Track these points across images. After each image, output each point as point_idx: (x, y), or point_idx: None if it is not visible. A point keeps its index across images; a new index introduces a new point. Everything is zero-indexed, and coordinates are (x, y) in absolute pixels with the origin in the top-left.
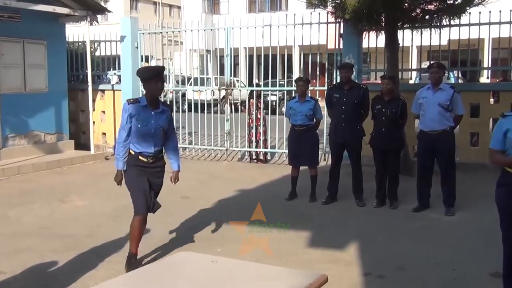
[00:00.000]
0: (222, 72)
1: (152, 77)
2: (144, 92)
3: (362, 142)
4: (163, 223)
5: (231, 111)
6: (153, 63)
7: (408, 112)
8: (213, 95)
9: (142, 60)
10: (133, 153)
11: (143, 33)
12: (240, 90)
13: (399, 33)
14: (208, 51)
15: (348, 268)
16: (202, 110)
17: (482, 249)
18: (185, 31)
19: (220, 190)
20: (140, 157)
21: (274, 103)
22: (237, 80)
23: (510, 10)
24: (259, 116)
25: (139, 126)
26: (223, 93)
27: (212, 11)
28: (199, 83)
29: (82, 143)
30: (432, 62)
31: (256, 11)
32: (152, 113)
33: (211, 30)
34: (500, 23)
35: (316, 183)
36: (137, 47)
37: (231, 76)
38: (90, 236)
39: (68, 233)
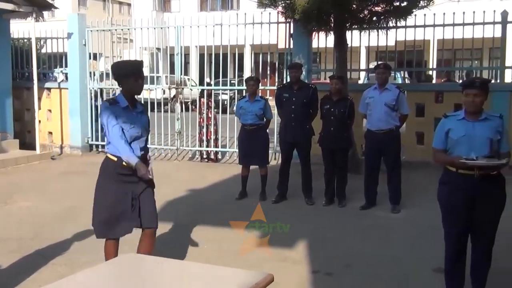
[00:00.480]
0: (172, 71)
1: (132, 73)
2: (120, 90)
3: (311, 141)
4: None
5: (181, 110)
6: (101, 61)
7: (356, 112)
8: (164, 94)
9: (90, 58)
10: (114, 159)
11: (91, 30)
12: (191, 89)
13: (348, 33)
14: (158, 49)
15: (296, 267)
16: (152, 109)
17: (426, 246)
18: (135, 29)
19: (170, 190)
20: (124, 163)
21: (225, 102)
22: (188, 79)
23: (453, 13)
24: (210, 115)
25: (126, 129)
26: (173, 92)
27: (163, 9)
28: (149, 81)
29: (27, 143)
30: (379, 62)
31: (207, 10)
32: (134, 113)
33: (162, 28)
34: (444, 25)
35: (266, 182)
36: (84, 45)
37: (182, 75)
38: (34, 238)
39: (11, 235)
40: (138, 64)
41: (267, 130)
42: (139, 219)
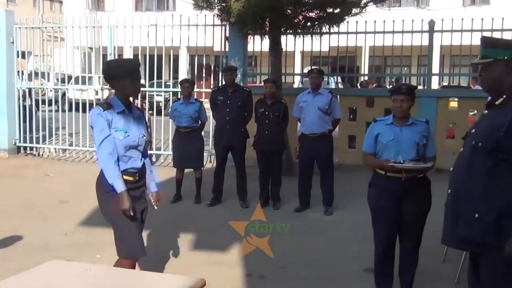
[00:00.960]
0: None
1: (129, 73)
2: (114, 93)
3: (246, 145)
4: (39, 229)
5: None
6: (30, 60)
7: (290, 115)
8: (97, 94)
9: (18, 56)
10: None
11: (20, 28)
12: None
13: (283, 38)
14: (91, 48)
15: (230, 270)
16: (84, 110)
17: (357, 246)
18: (66, 27)
19: None
20: (124, 177)
21: (159, 104)
22: None
23: (384, 21)
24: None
25: (120, 138)
26: (106, 93)
27: (96, 8)
28: (81, 82)
29: None
30: (312, 67)
31: (142, 10)
32: (131, 119)
33: (94, 27)
34: (375, 32)
35: (201, 185)
36: (12, 42)
37: None
38: None
39: None
40: (136, 64)
41: (202, 133)
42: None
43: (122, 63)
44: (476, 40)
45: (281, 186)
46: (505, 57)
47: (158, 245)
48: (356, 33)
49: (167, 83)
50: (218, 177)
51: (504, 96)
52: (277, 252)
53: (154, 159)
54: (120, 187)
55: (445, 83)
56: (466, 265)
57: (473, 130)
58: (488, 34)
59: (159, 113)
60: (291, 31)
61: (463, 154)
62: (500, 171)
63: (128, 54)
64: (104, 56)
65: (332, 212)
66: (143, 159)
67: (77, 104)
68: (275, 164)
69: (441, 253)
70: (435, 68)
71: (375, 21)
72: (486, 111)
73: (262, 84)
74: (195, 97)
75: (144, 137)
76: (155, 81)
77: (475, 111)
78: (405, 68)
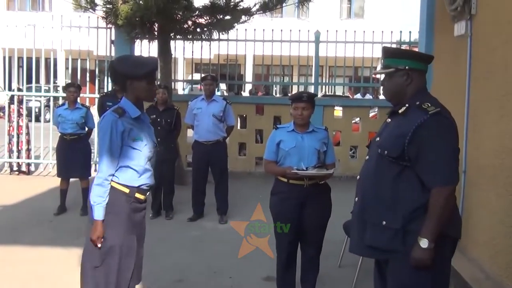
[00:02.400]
0: None
1: (147, 74)
2: (125, 95)
3: None
4: None
5: None
6: None
7: (182, 122)
8: None
9: None
10: (127, 191)
11: None
12: None
13: (172, 43)
14: None
15: None
16: None
17: (255, 255)
18: None
19: None
20: (137, 195)
21: (37, 109)
22: None
23: (272, 30)
24: (21, 124)
25: (140, 148)
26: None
27: None
28: None
29: None
30: (206, 74)
31: (15, 9)
32: (145, 126)
33: None
34: (263, 41)
35: (88, 195)
36: None
37: None
38: None
39: None
40: (155, 62)
41: (89, 140)
42: None
43: (139, 61)
44: (357, 52)
45: (174, 195)
46: (406, 67)
47: (42, 262)
48: (246, 40)
49: (45, 88)
50: None
51: (407, 105)
52: (173, 264)
53: (33, 168)
54: (99, 215)
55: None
56: (363, 270)
57: (378, 139)
58: (368, 46)
59: (37, 119)
60: (180, 37)
61: (369, 162)
62: (405, 178)
63: (0, 56)
64: None
65: (227, 220)
66: (154, 173)
67: None
68: (168, 173)
69: (337, 258)
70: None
71: (263, 30)
72: (389, 120)
73: None
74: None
75: (156, 147)
76: (33, 85)
77: (358, 119)
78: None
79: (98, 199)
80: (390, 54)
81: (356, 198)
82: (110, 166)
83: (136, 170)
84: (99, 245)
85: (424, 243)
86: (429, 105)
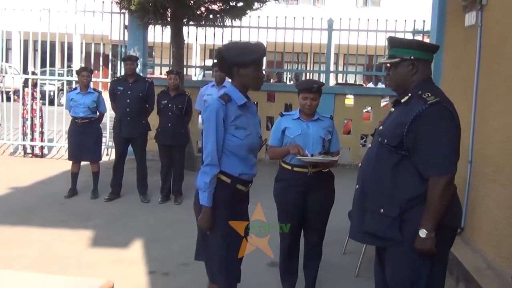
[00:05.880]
0: None
1: (255, 61)
2: (232, 82)
3: (147, 137)
4: None
5: (2, 100)
6: None
7: (193, 108)
8: None
9: None
10: (228, 180)
11: None
12: (13, 77)
13: (185, 29)
14: None
15: (132, 268)
16: None
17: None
18: None
19: None
20: (238, 186)
21: (52, 93)
22: (10, 67)
23: (285, 17)
24: (35, 107)
25: (239, 137)
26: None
27: None
28: None
29: None
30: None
31: None
32: (250, 115)
33: None
34: (276, 28)
35: (99, 179)
36: None
37: (2, 61)
38: None
39: None
40: (263, 49)
41: (100, 124)
42: None
43: (246, 48)
44: (371, 40)
45: (183, 180)
46: (411, 57)
47: (53, 244)
48: (258, 27)
49: (60, 72)
50: (117, 171)
51: (410, 94)
52: (180, 248)
53: (46, 151)
54: (206, 200)
55: (340, 81)
56: (366, 257)
57: (380, 128)
58: (382, 34)
59: (51, 102)
60: (193, 23)
61: (371, 150)
62: (403, 167)
63: (16, 40)
64: None
65: None
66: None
67: None
68: (178, 158)
69: (341, 246)
70: (331, 66)
71: (276, 17)
72: (393, 109)
73: (162, 75)
74: (92, 87)
75: (261, 138)
76: (47, 69)
77: (369, 108)
78: (303, 65)
79: (203, 186)
80: (396, 44)
81: (357, 186)
82: (214, 148)
83: (228, 161)
84: (208, 232)
85: (422, 232)
86: (429, 94)
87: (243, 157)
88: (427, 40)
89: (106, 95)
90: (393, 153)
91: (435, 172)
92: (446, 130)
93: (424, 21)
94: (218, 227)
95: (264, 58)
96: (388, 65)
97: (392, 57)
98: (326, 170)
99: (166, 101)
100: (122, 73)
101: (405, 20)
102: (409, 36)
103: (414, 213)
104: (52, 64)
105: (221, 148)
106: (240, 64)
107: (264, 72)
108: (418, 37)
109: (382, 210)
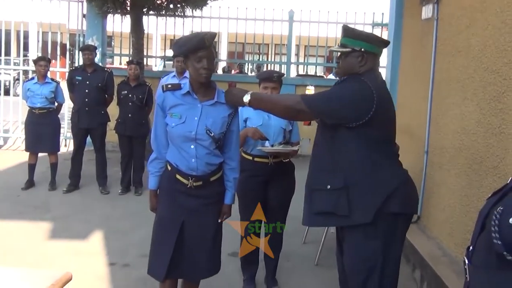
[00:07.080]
0: None
1: (188, 51)
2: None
3: (106, 128)
4: None
5: None
6: None
7: (153, 98)
8: None
9: None
10: (169, 168)
11: None
12: None
13: (145, 19)
14: None
15: (92, 260)
16: None
17: (224, 233)
18: None
19: None
20: (177, 176)
21: (7, 83)
22: None
23: (246, 8)
24: None
25: (170, 124)
26: None
27: None
28: None
29: None
30: None
31: None
32: (194, 105)
33: None
34: (237, 18)
35: (57, 170)
36: None
37: None
38: None
39: None
40: (198, 40)
41: (58, 115)
42: None
43: (181, 39)
44: (331, 32)
45: (144, 171)
46: (362, 49)
47: (9, 236)
48: (219, 18)
49: (15, 61)
50: (75, 162)
51: (345, 77)
52: (140, 240)
53: (1, 142)
54: (151, 185)
55: (301, 72)
56: (326, 247)
57: None
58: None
59: (6, 92)
60: (153, 12)
61: (317, 134)
62: (338, 138)
63: None
64: None
65: None
66: None
67: None
68: (138, 149)
69: (301, 236)
70: (292, 57)
71: (237, 8)
72: None
73: (121, 66)
74: (50, 76)
75: (209, 131)
76: (2, 58)
77: None
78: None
79: (149, 170)
80: (349, 34)
81: (309, 170)
82: (154, 138)
83: (173, 147)
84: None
85: (246, 98)
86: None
87: (178, 146)
88: (385, 32)
89: (64, 85)
90: (327, 128)
91: (302, 97)
92: (346, 87)
93: (383, 13)
94: (157, 211)
95: (225, 49)
96: (339, 54)
97: (343, 46)
98: (286, 160)
99: (126, 92)
100: (81, 63)
101: (365, 13)
102: (368, 29)
103: (358, 179)
104: (8, 53)
105: (163, 135)
106: (175, 55)
107: (225, 63)
108: (377, 30)
109: (329, 186)
